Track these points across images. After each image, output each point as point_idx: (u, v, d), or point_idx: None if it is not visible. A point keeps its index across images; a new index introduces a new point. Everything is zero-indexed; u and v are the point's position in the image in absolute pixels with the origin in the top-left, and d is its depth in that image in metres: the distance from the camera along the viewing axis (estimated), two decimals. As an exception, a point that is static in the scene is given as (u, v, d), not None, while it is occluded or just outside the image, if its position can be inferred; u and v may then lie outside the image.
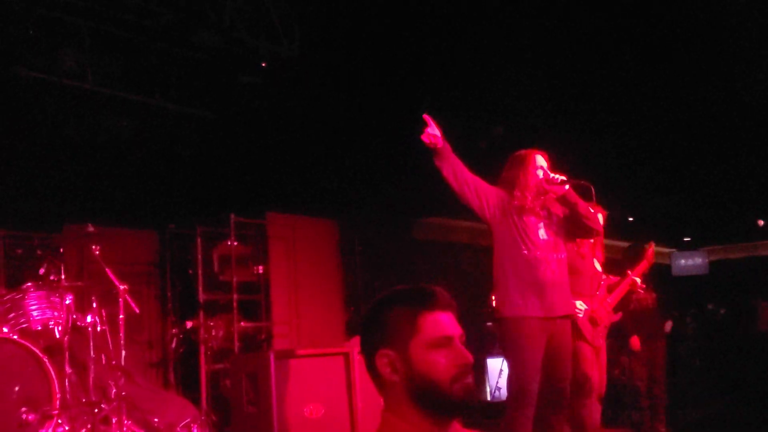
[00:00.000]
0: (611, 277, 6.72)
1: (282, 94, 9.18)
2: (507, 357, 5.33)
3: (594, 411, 6.16)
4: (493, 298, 5.33)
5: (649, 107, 9.73)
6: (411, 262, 12.78)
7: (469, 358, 2.14)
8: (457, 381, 2.10)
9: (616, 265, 7.04)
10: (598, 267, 6.57)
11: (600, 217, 6.39)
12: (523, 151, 5.45)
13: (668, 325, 9.04)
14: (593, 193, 5.41)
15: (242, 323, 9.43)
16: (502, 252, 5.24)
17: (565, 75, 8.82)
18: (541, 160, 5.39)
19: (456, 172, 5.11)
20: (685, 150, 11.16)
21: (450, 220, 14.95)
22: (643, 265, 6.79)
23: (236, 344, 9.18)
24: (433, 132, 5.00)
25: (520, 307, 5.09)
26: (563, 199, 5.32)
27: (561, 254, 5.31)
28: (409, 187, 11.43)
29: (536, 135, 10.04)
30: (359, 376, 7.05)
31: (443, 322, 2.15)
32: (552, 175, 5.30)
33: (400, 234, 13.09)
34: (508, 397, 5.31)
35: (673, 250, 18.31)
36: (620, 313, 6.71)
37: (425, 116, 5.03)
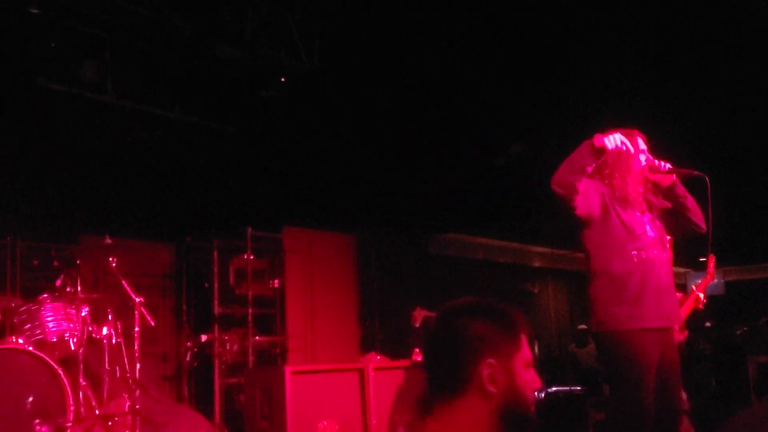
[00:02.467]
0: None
1: (301, 109, 9.20)
2: (614, 378, 4.43)
3: (686, 426, 5.98)
4: (594, 309, 4.42)
5: (663, 124, 9.69)
6: (427, 278, 12.75)
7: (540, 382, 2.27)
8: (533, 403, 2.23)
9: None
10: None
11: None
12: (624, 130, 4.44)
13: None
14: (708, 186, 4.45)
15: (257, 337, 9.41)
16: (606, 254, 4.39)
17: (587, 90, 8.79)
18: (642, 144, 4.60)
19: (582, 177, 4.29)
20: (702, 168, 11.10)
21: (466, 236, 14.93)
22: (706, 280, 6.55)
23: (251, 358, 9.16)
24: (626, 141, 4.27)
25: (633, 318, 4.25)
26: (669, 191, 4.56)
27: (668, 254, 4.58)
28: (425, 202, 11.43)
29: (555, 153, 10.03)
30: (374, 392, 7.02)
31: (527, 346, 2.27)
32: (657, 161, 4.55)
33: (416, 249, 13.07)
34: (616, 426, 4.40)
35: (689, 270, 18.20)
36: (686, 332, 6.42)
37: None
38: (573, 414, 8.90)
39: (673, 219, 4.64)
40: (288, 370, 6.71)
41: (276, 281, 9.90)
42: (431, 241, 14.17)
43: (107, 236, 6.99)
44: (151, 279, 9.54)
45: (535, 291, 17.34)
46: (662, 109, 8.79)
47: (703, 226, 4.65)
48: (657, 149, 4.65)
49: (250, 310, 9.31)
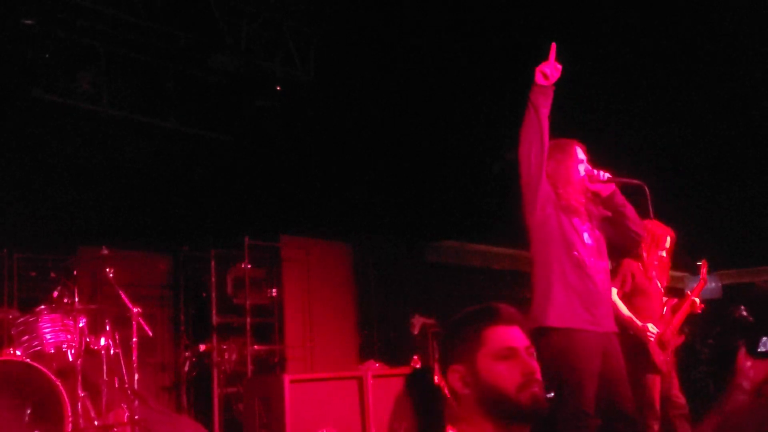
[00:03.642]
0: (671, 298, 6.51)
1: (297, 118, 9.20)
2: (555, 378, 4.16)
3: (685, 429, 5.99)
4: (534, 304, 4.43)
5: (659, 132, 9.71)
6: (424, 285, 12.73)
7: (534, 367, 2.25)
8: (523, 390, 2.21)
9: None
10: (660, 288, 6.30)
11: (668, 240, 6.31)
12: (558, 140, 4.59)
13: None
14: (647, 193, 4.59)
15: (255, 346, 9.39)
16: (549, 251, 4.44)
17: (579, 96, 8.80)
18: (582, 154, 4.66)
19: (544, 127, 4.35)
20: (696, 174, 11.12)
21: (463, 244, 14.90)
22: (700, 285, 6.58)
23: (249, 367, 9.14)
24: (557, 65, 4.28)
25: (572, 317, 4.30)
26: (608, 200, 4.60)
27: (605, 262, 4.60)
28: (422, 210, 11.42)
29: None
30: (373, 399, 7.01)
31: (506, 335, 2.28)
32: (596, 171, 4.61)
33: (413, 257, 13.05)
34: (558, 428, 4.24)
35: (686, 274, 18.20)
36: (683, 336, 6.45)
37: (554, 45, 4.28)
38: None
39: (612, 227, 4.69)
40: (287, 378, 6.70)
41: (274, 290, 9.89)
42: (428, 249, 14.15)
43: (104, 247, 6.99)
44: (149, 289, 9.53)
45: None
46: (607, 116, 8.83)
47: (642, 233, 4.76)
48: (598, 159, 4.74)
49: (248, 319, 9.30)
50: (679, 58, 8.17)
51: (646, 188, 4.60)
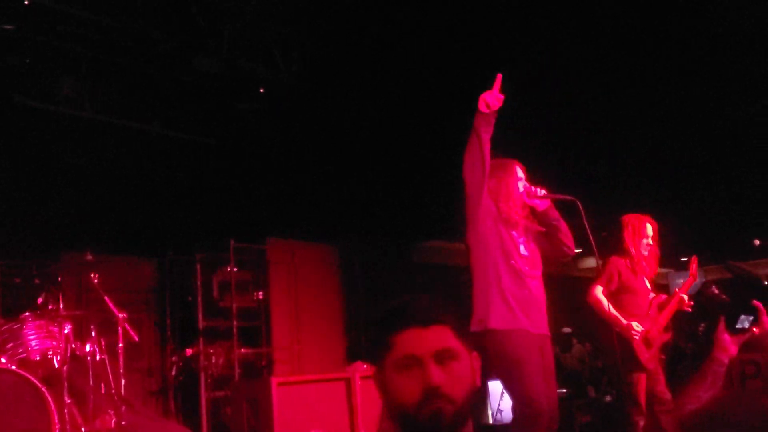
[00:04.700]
0: (659, 294, 6.51)
1: (281, 120, 9.18)
2: (503, 376, 4.69)
3: (671, 425, 6.00)
4: (475, 309, 4.69)
5: (642, 128, 9.75)
6: (411, 286, 12.74)
7: (435, 380, 1.92)
8: (423, 405, 1.92)
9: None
10: (648, 285, 6.34)
11: (648, 226, 6.32)
12: (501, 160, 4.93)
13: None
14: (580, 208, 4.87)
15: (242, 350, 9.39)
16: (488, 260, 4.74)
17: (558, 89, 8.82)
18: (520, 172, 4.99)
19: (485, 150, 4.62)
20: (680, 170, 11.17)
21: (449, 244, 14.92)
22: (689, 282, 6.59)
23: (236, 371, 9.13)
24: (500, 95, 4.54)
25: (512, 320, 4.59)
26: (543, 216, 4.91)
27: (539, 271, 4.89)
28: (408, 211, 11.42)
29: (524, 149, 10.06)
30: (361, 400, 7.02)
31: (411, 340, 1.97)
32: (532, 188, 4.90)
33: (399, 258, 13.06)
34: (514, 423, 4.59)
35: (670, 270, 18.27)
36: (671, 333, 6.47)
37: (499, 76, 4.55)
38: (559, 416, 8.92)
39: (547, 241, 4.96)
40: (274, 381, 6.70)
41: (260, 293, 9.89)
42: (414, 249, 14.18)
43: (88, 252, 6.95)
44: (134, 294, 9.50)
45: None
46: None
47: (573, 248, 5.03)
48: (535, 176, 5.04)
49: (234, 323, 9.29)
50: (666, 52, 8.19)
51: (579, 203, 4.88)
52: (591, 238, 4.93)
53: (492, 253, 4.74)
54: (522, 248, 4.80)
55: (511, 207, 4.81)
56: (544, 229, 4.94)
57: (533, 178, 5.02)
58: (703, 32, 7.74)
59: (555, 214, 4.93)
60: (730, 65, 8.30)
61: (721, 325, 3.42)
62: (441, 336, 1.98)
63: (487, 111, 4.57)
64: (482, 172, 4.67)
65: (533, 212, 4.93)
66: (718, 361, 3.24)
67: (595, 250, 5.07)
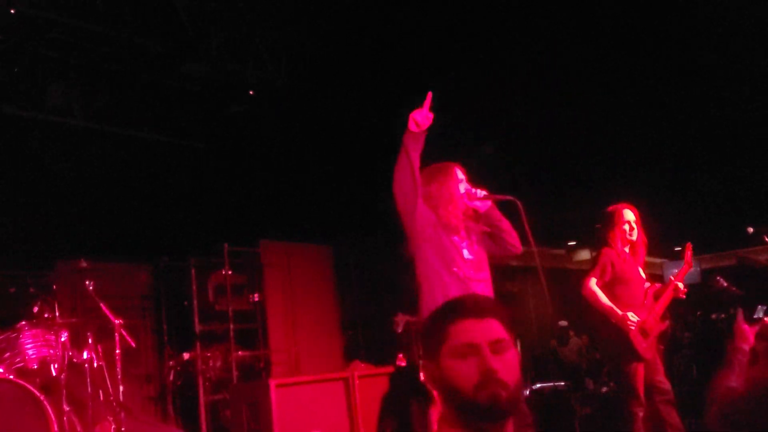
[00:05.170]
0: (655, 284, 6.49)
1: (272, 122, 9.18)
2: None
3: (672, 416, 6.00)
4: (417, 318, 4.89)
5: (636, 119, 9.77)
6: (406, 285, 12.74)
7: (494, 366, 2.08)
8: (481, 388, 2.07)
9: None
10: (642, 274, 6.33)
11: (627, 212, 6.30)
12: (440, 164, 5.01)
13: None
14: (520, 208, 4.88)
15: (240, 352, 9.38)
16: (430, 269, 4.81)
17: (549, 81, 8.84)
18: (461, 174, 5.02)
19: (415, 167, 4.64)
20: (673, 159, 11.20)
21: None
22: (684, 269, 6.58)
23: (234, 374, 9.13)
24: (429, 114, 4.62)
25: None
26: (486, 216, 4.97)
27: (485, 273, 4.99)
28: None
29: (526, 151, 10.09)
30: (360, 399, 7.02)
31: (468, 330, 2.14)
32: (473, 189, 4.94)
33: (394, 257, 13.06)
34: None
35: (664, 260, 18.30)
36: (667, 322, 6.46)
37: (429, 94, 4.66)
38: (559, 409, 8.95)
39: (491, 241, 5.02)
40: (272, 383, 6.70)
41: (255, 295, 9.88)
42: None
43: (83, 260, 6.96)
44: (130, 300, 9.49)
45: (515, 290, 17.36)
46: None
47: (518, 246, 5.07)
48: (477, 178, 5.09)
49: (231, 326, 9.28)
50: (659, 41, 8.22)
51: (519, 203, 4.89)
52: (531, 237, 4.96)
53: (433, 263, 4.80)
54: (465, 252, 4.86)
55: (450, 211, 4.85)
56: (488, 229, 5.00)
57: (475, 180, 5.05)
58: (694, 18, 7.76)
59: (497, 214, 4.97)
60: (723, 54, 8.32)
61: (740, 317, 3.48)
62: (494, 327, 2.15)
63: (417, 130, 4.60)
64: (413, 189, 4.69)
65: (476, 214, 4.98)
66: (742, 350, 3.33)
67: (534, 246, 5.01)
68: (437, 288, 4.73)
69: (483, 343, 2.12)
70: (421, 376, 4.75)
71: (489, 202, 4.94)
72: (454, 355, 2.12)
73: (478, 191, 4.93)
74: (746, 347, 3.28)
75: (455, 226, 4.85)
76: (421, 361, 2.35)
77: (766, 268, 8.71)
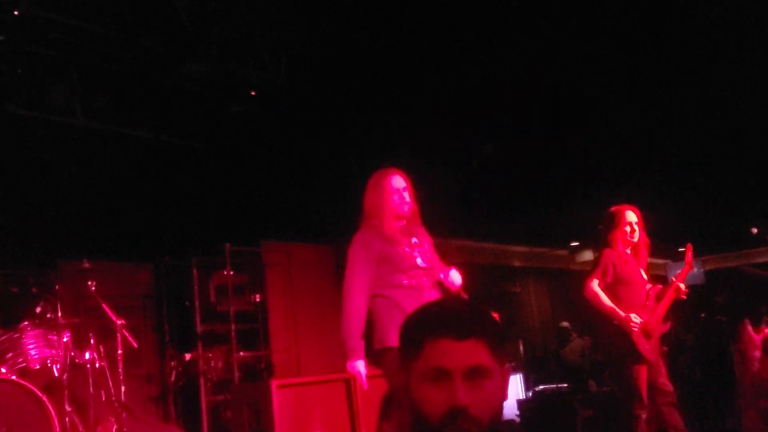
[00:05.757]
0: (656, 285, 6.47)
1: (273, 122, 9.18)
2: (395, 390, 4.94)
3: (675, 418, 5.99)
4: (375, 328, 4.90)
5: (640, 119, 9.76)
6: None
7: (462, 401, 1.78)
8: (447, 423, 1.78)
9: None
10: (644, 275, 6.30)
11: (629, 213, 6.26)
12: (376, 174, 5.16)
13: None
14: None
15: (241, 353, 9.38)
16: (383, 286, 4.90)
17: (552, 81, 8.83)
18: (399, 182, 5.09)
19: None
20: (676, 160, 11.19)
21: (445, 240, 14.91)
22: (685, 270, 6.56)
23: (236, 374, 9.12)
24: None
25: None
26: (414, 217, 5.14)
27: (436, 278, 5.04)
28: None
29: (529, 151, 10.08)
30: (361, 400, 7.01)
31: (442, 353, 1.83)
32: (405, 199, 5.05)
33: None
34: None
35: (668, 261, 18.29)
36: (669, 323, 6.44)
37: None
38: (561, 411, 8.93)
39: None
40: (274, 384, 6.70)
41: (257, 296, 9.87)
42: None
43: (85, 260, 6.96)
44: (132, 300, 9.48)
45: (517, 291, 17.37)
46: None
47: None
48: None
49: (232, 326, 9.28)
50: (660, 44, 8.21)
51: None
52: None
53: (387, 280, 4.88)
54: (419, 260, 4.92)
55: (385, 224, 4.96)
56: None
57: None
58: (695, 18, 7.75)
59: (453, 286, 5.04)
60: (723, 56, 8.31)
61: (748, 327, 3.53)
62: (475, 351, 1.84)
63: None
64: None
65: (413, 215, 5.10)
66: (754, 358, 3.37)
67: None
68: (389, 299, 4.84)
69: (456, 371, 1.82)
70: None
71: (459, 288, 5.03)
72: (424, 377, 1.84)
73: (404, 206, 5.00)
74: (758, 354, 3.31)
75: (398, 238, 4.93)
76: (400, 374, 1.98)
77: (764, 278, 8.72)
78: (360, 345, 4.81)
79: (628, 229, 6.23)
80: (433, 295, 4.87)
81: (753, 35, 7.80)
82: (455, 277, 5.05)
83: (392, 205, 4.98)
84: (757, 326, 6.82)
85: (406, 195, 5.04)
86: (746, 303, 7.83)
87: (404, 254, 4.89)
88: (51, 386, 6.24)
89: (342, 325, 4.86)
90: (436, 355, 1.83)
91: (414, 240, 5.00)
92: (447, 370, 1.81)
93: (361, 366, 4.78)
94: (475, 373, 1.81)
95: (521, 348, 13.50)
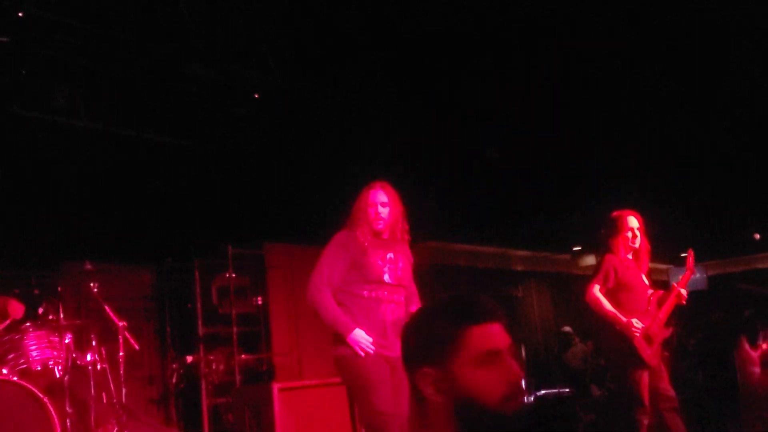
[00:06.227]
0: (658, 290, 6.46)
1: (276, 124, 9.17)
2: (356, 396, 5.08)
3: (677, 423, 5.99)
4: (333, 336, 5.07)
5: (643, 124, 9.75)
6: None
7: (520, 373, 1.95)
8: (509, 400, 1.92)
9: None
10: (645, 281, 6.30)
11: (631, 219, 6.28)
12: (365, 187, 5.30)
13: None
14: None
15: (243, 355, 9.37)
16: (344, 288, 5.07)
17: (554, 86, 8.82)
18: (380, 197, 5.21)
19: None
20: (678, 165, 11.17)
21: (447, 244, 14.92)
22: (687, 276, 6.55)
23: (237, 377, 9.12)
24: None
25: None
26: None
27: (404, 292, 5.21)
28: (405, 211, 11.39)
29: (531, 155, 10.06)
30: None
31: (491, 335, 1.97)
32: (380, 214, 5.17)
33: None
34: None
35: (671, 266, 18.27)
36: (671, 328, 6.43)
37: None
38: (563, 415, 8.92)
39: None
40: (276, 387, 6.69)
41: (259, 298, 9.87)
42: (412, 251, 14.17)
43: (87, 262, 6.96)
44: (134, 302, 9.49)
45: (519, 295, 17.35)
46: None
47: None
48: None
49: (234, 329, 9.28)
50: (666, 44, 8.20)
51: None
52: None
53: (349, 283, 5.05)
54: (386, 276, 5.04)
55: (359, 234, 5.09)
56: (409, 238, 5.31)
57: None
58: (697, 23, 7.75)
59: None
60: (730, 57, 8.30)
61: (745, 345, 3.55)
62: (506, 331, 2.03)
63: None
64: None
65: (392, 233, 5.20)
66: (754, 374, 3.39)
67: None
68: (350, 306, 5.01)
69: (506, 350, 1.99)
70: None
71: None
72: (477, 363, 1.93)
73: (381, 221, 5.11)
74: (757, 370, 3.34)
75: (373, 249, 5.05)
76: (416, 367, 2.06)
77: (762, 294, 8.74)
78: (348, 319, 4.94)
79: (629, 234, 6.24)
80: (390, 309, 5.02)
81: (756, 36, 7.79)
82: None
83: (368, 218, 5.12)
84: (753, 344, 6.85)
85: (384, 211, 5.15)
86: (742, 320, 7.86)
87: (374, 266, 5.01)
88: (52, 388, 6.24)
89: (321, 315, 5.05)
90: (486, 338, 1.97)
91: (390, 255, 5.11)
92: (499, 350, 1.97)
93: (360, 334, 4.86)
94: (512, 349, 2.01)
95: (523, 352, 13.48)
